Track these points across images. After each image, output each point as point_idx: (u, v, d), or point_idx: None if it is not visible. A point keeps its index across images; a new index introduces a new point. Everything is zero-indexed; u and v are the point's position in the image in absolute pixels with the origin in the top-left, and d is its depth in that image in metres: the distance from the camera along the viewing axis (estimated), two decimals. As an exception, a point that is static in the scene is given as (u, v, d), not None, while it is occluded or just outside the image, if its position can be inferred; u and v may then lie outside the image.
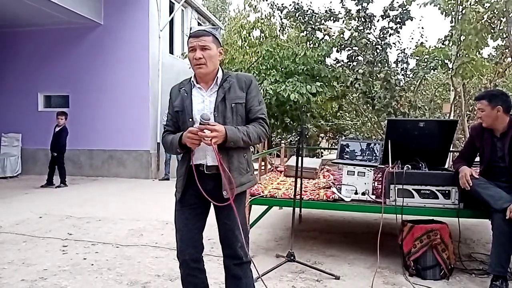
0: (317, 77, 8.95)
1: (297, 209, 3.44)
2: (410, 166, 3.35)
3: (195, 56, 1.98)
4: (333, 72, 9.09)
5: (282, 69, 9.06)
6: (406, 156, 3.45)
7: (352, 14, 9.06)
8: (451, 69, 7.73)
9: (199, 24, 12.96)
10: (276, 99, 8.55)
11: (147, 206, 6.13)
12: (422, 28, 12.19)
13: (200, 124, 1.91)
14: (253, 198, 3.56)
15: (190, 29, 2.05)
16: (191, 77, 2.12)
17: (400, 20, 8.85)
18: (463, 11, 6.56)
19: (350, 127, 15.72)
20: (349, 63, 9.39)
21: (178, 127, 2.11)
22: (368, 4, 8.80)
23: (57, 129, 7.94)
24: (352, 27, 9.07)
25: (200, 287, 2.14)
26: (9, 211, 5.56)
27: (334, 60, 9.83)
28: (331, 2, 18.14)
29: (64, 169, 7.96)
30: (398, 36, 9.11)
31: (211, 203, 2.07)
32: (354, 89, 9.10)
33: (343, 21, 9.22)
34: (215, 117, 2.00)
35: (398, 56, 9.42)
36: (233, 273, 2.09)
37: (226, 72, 2.11)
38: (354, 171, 3.49)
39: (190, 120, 2.02)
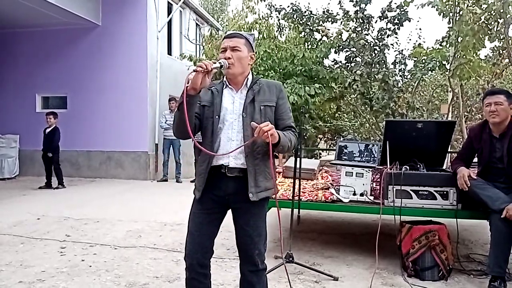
0: (315, 78, 8.95)
1: (295, 210, 3.44)
2: (408, 167, 3.35)
3: (225, 55, 2.00)
4: (331, 73, 9.10)
5: (281, 70, 9.05)
6: (404, 157, 3.45)
7: (350, 15, 9.09)
8: (448, 70, 7.76)
9: (197, 25, 12.98)
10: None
11: (145, 207, 6.11)
12: (420, 29, 12.20)
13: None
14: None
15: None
16: (222, 79, 2.14)
17: (398, 21, 8.89)
18: (461, 12, 6.58)
19: (348, 128, 15.75)
20: (347, 64, 9.40)
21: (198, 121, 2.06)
22: (366, 5, 8.82)
23: (49, 129, 7.94)
24: (350, 28, 9.10)
25: None
26: (7, 212, 5.53)
27: (332, 61, 9.86)
28: (329, 3, 18.20)
29: (60, 170, 7.94)
30: (396, 37, 9.16)
31: (228, 209, 2.07)
32: (352, 90, 9.13)
33: (341, 22, 9.24)
34: (243, 117, 2.01)
35: (396, 57, 9.46)
36: (248, 279, 2.10)
37: (256, 76, 2.14)
38: (352, 172, 3.50)
39: (217, 117, 2.02)
